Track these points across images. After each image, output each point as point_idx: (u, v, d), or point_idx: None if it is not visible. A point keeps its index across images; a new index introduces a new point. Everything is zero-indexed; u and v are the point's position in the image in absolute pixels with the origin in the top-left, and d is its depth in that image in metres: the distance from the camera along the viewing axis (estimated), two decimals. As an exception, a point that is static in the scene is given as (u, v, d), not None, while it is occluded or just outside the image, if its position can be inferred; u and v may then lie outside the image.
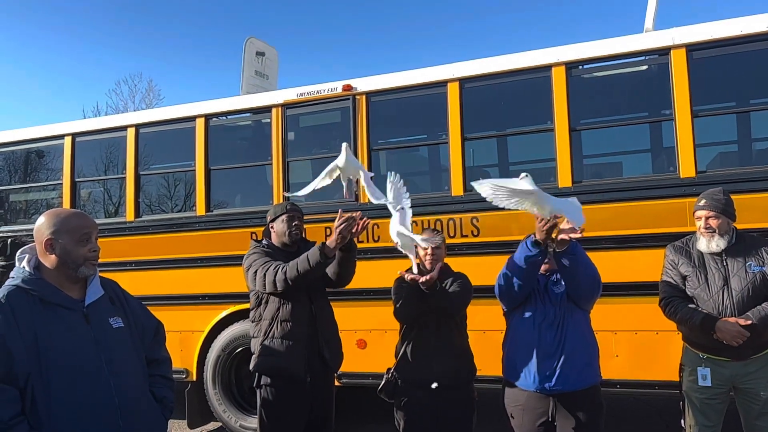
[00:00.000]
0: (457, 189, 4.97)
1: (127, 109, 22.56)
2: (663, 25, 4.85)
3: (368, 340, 5.15)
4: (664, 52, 4.48)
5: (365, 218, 3.30)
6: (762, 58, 4.37)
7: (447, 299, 3.31)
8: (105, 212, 6.64)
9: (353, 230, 3.23)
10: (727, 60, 4.52)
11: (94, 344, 2.23)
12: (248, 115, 6.23)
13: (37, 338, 2.12)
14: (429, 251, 3.47)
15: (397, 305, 3.42)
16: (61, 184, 6.48)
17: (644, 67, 4.89)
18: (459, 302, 3.38)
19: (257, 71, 6.83)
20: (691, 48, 4.38)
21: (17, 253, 2.33)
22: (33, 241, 2.33)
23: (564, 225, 3.01)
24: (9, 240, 6.06)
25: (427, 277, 3.21)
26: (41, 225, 2.28)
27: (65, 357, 2.15)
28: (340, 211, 3.23)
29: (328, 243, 3.23)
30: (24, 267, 2.26)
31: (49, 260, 2.26)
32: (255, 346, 3.54)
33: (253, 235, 5.55)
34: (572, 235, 2.97)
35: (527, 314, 3.20)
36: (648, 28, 4.99)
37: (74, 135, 6.49)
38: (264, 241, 3.75)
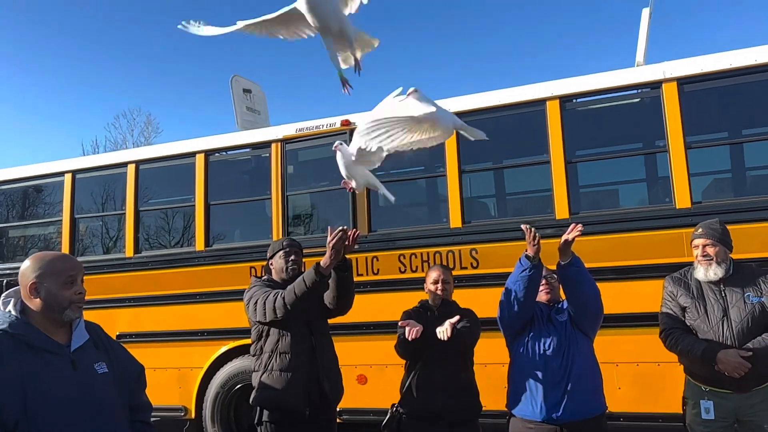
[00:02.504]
0: (455, 221, 5.00)
1: (126, 143, 22.76)
2: (654, 58, 4.96)
3: (369, 376, 5.10)
4: (656, 85, 4.57)
5: (356, 230, 3.35)
6: (751, 90, 4.46)
7: (459, 340, 3.32)
8: (104, 248, 6.65)
9: (346, 243, 3.24)
10: (718, 92, 4.61)
11: (81, 390, 2.20)
12: (247, 150, 6.29)
13: (24, 385, 2.09)
14: (440, 286, 3.52)
15: (401, 338, 3.42)
16: (61, 220, 6.51)
17: (637, 100, 4.98)
18: (470, 341, 3.42)
19: (248, 107, 6.96)
20: (682, 81, 4.48)
21: (1, 297, 2.30)
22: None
23: (567, 235, 3.11)
24: (4, 281, 6.07)
25: (446, 336, 3.23)
26: (26, 269, 2.26)
27: (53, 404, 2.12)
28: (329, 228, 3.25)
29: (322, 261, 3.23)
30: (9, 311, 2.23)
31: (34, 304, 2.23)
32: (255, 380, 3.52)
33: (253, 270, 5.56)
34: (573, 234, 3.07)
35: (531, 343, 3.22)
36: (639, 62, 5.11)
37: (74, 172, 6.54)
38: (265, 277, 3.76)
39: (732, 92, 4.58)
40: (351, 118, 5.55)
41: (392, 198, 3.33)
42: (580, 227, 3.10)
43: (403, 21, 32.62)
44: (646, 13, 5.29)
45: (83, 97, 33.46)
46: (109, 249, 6.59)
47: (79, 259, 6.32)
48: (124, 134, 23.40)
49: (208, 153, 5.99)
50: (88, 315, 5.62)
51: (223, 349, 5.60)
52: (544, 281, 3.34)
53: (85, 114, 34.10)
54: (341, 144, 3.32)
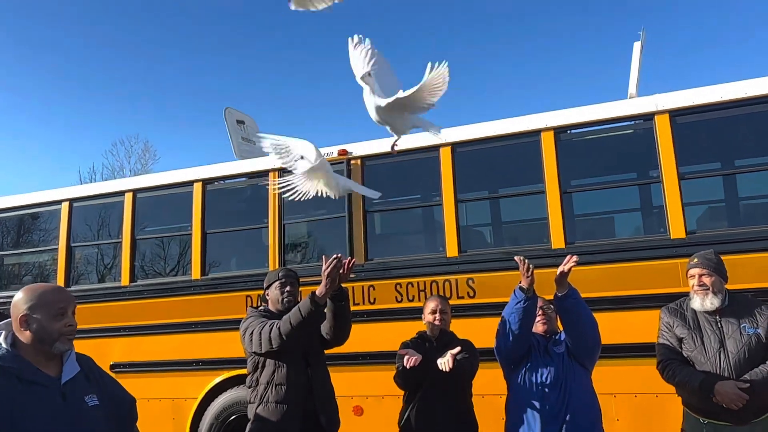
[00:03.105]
0: (452, 250, 5.01)
1: (123, 170, 22.84)
2: (646, 88, 5.05)
3: (365, 407, 5.05)
4: (648, 117, 4.64)
5: (351, 259, 3.34)
6: (742, 121, 4.54)
7: (459, 372, 3.31)
8: (99, 276, 6.62)
9: (341, 271, 3.24)
10: (710, 124, 4.68)
11: (70, 423, 2.17)
12: (244, 179, 6.33)
13: (13, 418, 2.06)
14: (438, 316, 3.52)
15: (399, 370, 3.40)
16: (57, 248, 6.49)
17: (630, 131, 5.05)
18: (470, 373, 3.40)
19: (243, 137, 7.06)
20: (674, 113, 4.55)
21: None
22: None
23: (563, 266, 3.13)
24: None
25: (448, 368, 3.22)
26: (18, 300, 2.26)
27: None
28: (323, 257, 3.25)
29: (317, 291, 3.22)
30: (0, 344, 2.22)
31: (24, 336, 2.22)
32: (251, 412, 3.48)
33: (249, 299, 5.54)
34: (568, 265, 3.07)
35: (528, 375, 3.21)
36: (632, 93, 5.19)
37: (71, 200, 6.56)
38: (261, 307, 3.75)
39: (723, 124, 4.65)
40: (348, 147, 5.60)
41: (377, 194, 3.47)
42: (575, 258, 3.13)
43: (395, 51, 33.14)
44: (637, 46, 5.41)
45: (80, 125, 33.66)
46: (105, 277, 6.57)
47: (74, 287, 6.33)
48: (122, 161, 23.48)
49: (206, 182, 6.02)
50: (83, 344, 5.60)
51: (218, 379, 5.54)
52: (540, 312, 3.34)
53: (83, 142, 34.28)
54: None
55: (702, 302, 3.31)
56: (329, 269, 3.19)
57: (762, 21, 26.05)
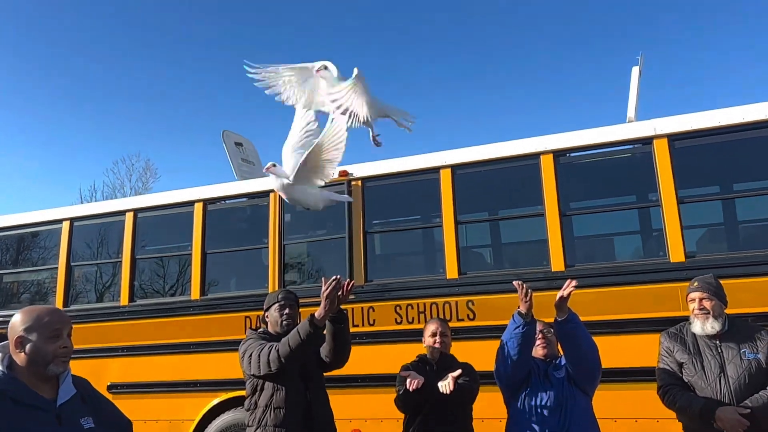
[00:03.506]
0: (452, 272, 5.01)
1: (124, 188, 22.87)
2: (644, 109, 5.10)
3: (364, 430, 5.00)
4: (647, 141, 4.68)
5: (350, 281, 3.32)
6: (740, 146, 4.58)
7: (460, 395, 3.29)
8: (99, 296, 6.61)
9: (339, 294, 3.23)
10: (708, 148, 4.72)
11: None
12: (245, 199, 6.36)
13: None
14: (438, 338, 3.51)
15: (400, 393, 3.37)
16: (56, 267, 6.49)
17: (629, 155, 5.09)
18: (471, 396, 3.38)
19: (243, 159, 7.12)
20: (673, 138, 4.59)
21: None
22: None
23: (562, 291, 3.13)
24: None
25: (449, 390, 3.20)
26: (15, 322, 2.26)
27: None
28: (323, 279, 3.25)
29: (317, 313, 3.20)
30: None
31: (19, 358, 2.22)
32: (249, 436, 3.45)
33: (248, 320, 5.53)
34: (568, 290, 3.07)
35: (528, 399, 3.19)
36: (630, 117, 5.24)
37: (72, 219, 6.57)
38: (260, 329, 3.74)
39: (722, 148, 4.69)
40: (349, 168, 5.63)
41: (350, 199, 3.61)
42: (574, 283, 3.13)
43: (397, 74, 33.46)
44: (635, 71, 5.47)
45: (81, 144, 33.82)
46: (104, 297, 6.56)
47: (73, 306, 6.32)
48: (122, 179, 23.53)
49: (207, 202, 6.04)
50: (81, 364, 5.58)
51: (216, 401, 5.49)
52: (540, 335, 3.33)
53: (83, 160, 34.41)
54: (275, 165, 3.58)
55: (702, 326, 3.30)
56: (328, 291, 3.18)
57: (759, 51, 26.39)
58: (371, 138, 3.71)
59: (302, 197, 3.83)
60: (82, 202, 21.32)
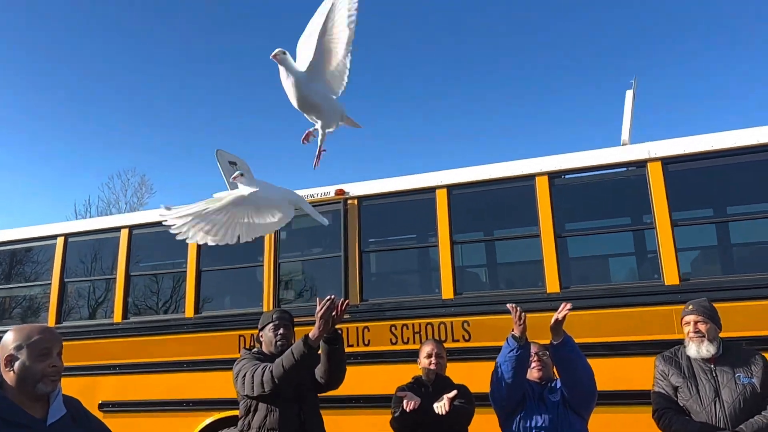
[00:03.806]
0: (447, 292, 5.01)
1: (119, 203, 22.78)
2: (638, 131, 5.16)
3: (358, 452, 4.96)
4: (641, 164, 4.73)
5: (345, 300, 3.29)
6: (733, 170, 4.63)
7: (456, 417, 3.27)
8: (92, 313, 6.57)
9: (334, 314, 3.21)
10: (701, 172, 4.77)
11: None
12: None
13: None
14: (433, 360, 3.50)
15: (396, 414, 3.35)
16: (50, 284, 6.46)
17: (623, 177, 5.13)
18: (465, 417, 3.36)
19: None
20: (667, 161, 4.64)
21: None
22: None
23: (558, 314, 3.14)
24: None
25: (444, 411, 3.20)
26: (6, 341, 2.25)
27: None
28: (317, 299, 3.23)
29: (311, 333, 3.18)
30: None
31: (8, 377, 2.21)
32: (241, 458, 3.41)
33: (242, 339, 5.50)
34: (563, 314, 3.09)
35: (522, 422, 3.18)
36: (625, 140, 5.30)
37: (67, 235, 6.55)
38: (255, 349, 3.72)
39: (715, 172, 4.74)
40: (345, 187, 5.66)
41: (325, 221, 3.47)
42: (569, 306, 3.14)
43: (392, 96, 33.69)
44: (629, 94, 5.54)
45: (77, 159, 33.76)
46: (97, 313, 6.51)
47: (66, 323, 6.28)
48: (117, 194, 23.43)
49: (202, 219, 6.02)
50: (73, 382, 5.52)
51: (209, 420, 5.44)
52: (535, 358, 3.33)
53: (79, 175, 34.30)
54: (242, 175, 3.31)
55: (698, 349, 3.31)
56: (322, 311, 3.17)
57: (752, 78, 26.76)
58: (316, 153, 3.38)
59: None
60: (76, 217, 21.25)
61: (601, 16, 29.21)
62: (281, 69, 3.00)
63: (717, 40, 27.99)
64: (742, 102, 27.00)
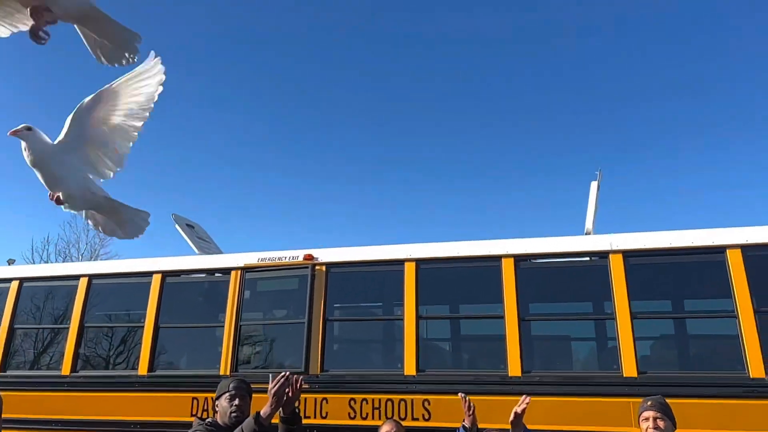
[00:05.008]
0: (410, 368, 4.98)
1: (79, 243, 22.10)
2: (602, 218, 5.36)
3: None
4: (604, 255, 4.90)
5: (300, 378, 3.14)
6: (690, 268, 4.84)
7: None
8: (39, 363, 6.27)
9: (288, 392, 3.12)
10: (660, 267, 4.96)
11: None
12: (203, 275, 6.27)
13: None
14: None
15: None
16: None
17: (586, 265, 5.29)
18: None
19: (199, 237, 7.14)
20: (627, 254, 4.81)
21: None
22: None
23: (517, 407, 3.15)
24: None
25: None
26: None
27: None
28: (270, 375, 3.13)
29: (262, 411, 3.02)
30: None
31: None
32: None
33: (195, 402, 5.32)
34: (522, 407, 3.11)
35: None
36: (588, 229, 5.49)
37: (22, 280, 6.34)
38: (208, 420, 3.59)
39: (672, 268, 4.93)
40: (314, 252, 5.66)
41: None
42: (528, 399, 3.16)
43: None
44: (594, 185, 5.79)
45: (36, 194, 32.88)
46: (44, 364, 6.23)
47: (10, 372, 5.97)
48: (78, 234, 22.77)
49: (165, 274, 5.93)
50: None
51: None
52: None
53: (38, 211, 33.33)
54: (30, 129, 2.44)
55: (657, 445, 3.35)
56: (276, 387, 3.05)
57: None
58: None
59: (60, 169, 2.47)
60: (33, 255, 20.56)
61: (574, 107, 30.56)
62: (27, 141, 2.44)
63: (686, 134, 29.42)
64: (710, 199, 28.19)
